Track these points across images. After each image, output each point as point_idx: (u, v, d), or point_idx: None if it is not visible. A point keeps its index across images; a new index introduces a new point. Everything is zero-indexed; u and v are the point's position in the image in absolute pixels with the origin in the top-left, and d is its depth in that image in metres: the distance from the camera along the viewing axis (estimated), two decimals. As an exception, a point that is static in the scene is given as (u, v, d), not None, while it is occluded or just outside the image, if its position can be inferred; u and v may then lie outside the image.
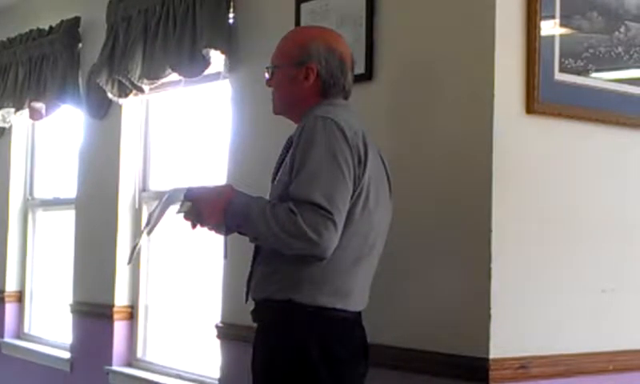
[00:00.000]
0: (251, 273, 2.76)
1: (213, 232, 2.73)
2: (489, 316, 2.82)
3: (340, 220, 2.49)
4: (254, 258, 2.76)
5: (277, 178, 2.70)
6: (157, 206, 2.74)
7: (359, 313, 2.69)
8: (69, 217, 5.43)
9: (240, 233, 2.69)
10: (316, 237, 2.45)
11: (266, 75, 2.83)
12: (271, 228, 2.49)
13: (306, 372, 2.56)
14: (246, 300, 2.79)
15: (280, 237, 2.49)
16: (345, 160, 2.53)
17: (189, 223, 2.69)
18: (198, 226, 2.69)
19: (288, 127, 2.81)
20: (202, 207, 2.64)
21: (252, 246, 2.76)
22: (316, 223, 2.45)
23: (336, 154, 2.53)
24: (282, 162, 2.70)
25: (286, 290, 2.59)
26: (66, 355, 5.34)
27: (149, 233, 2.77)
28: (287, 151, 2.70)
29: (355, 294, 2.64)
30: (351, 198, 2.55)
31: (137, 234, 4.85)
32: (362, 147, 2.59)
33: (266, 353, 2.65)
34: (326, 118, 2.57)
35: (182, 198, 2.67)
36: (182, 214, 2.68)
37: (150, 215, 2.75)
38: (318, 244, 2.46)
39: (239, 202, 2.60)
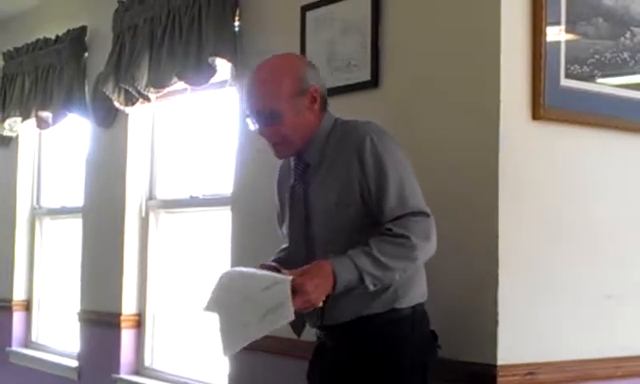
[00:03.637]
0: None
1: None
2: (496, 322, 2.82)
3: (429, 211, 2.57)
4: None
5: (332, 202, 2.60)
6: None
7: None
8: (76, 225, 5.44)
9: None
10: (429, 244, 2.54)
11: (252, 127, 2.69)
12: (392, 269, 2.49)
13: (414, 369, 2.62)
14: (300, 334, 2.72)
15: (404, 269, 2.53)
16: (407, 161, 2.62)
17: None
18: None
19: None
20: (310, 292, 2.42)
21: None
22: (425, 232, 2.52)
23: (402, 160, 2.61)
24: (319, 185, 2.64)
25: (389, 301, 2.60)
26: (74, 364, 5.35)
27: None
28: (302, 173, 2.68)
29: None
30: None
31: (144, 242, 4.87)
32: None
33: (375, 368, 2.60)
34: (375, 133, 2.59)
35: (289, 309, 2.38)
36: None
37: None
38: (433, 247, 2.56)
39: (343, 271, 2.45)
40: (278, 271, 2.54)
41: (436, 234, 2.55)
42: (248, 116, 2.69)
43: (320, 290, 2.43)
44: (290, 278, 2.41)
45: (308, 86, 2.65)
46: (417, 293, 2.65)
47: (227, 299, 2.49)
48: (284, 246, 2.85)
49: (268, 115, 2.63)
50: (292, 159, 2.74)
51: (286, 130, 2.63)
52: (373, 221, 2.57)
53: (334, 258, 2.47)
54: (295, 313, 2.40)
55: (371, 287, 2.49)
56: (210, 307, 2.54)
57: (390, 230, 2.50)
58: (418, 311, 2.66)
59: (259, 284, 2.43)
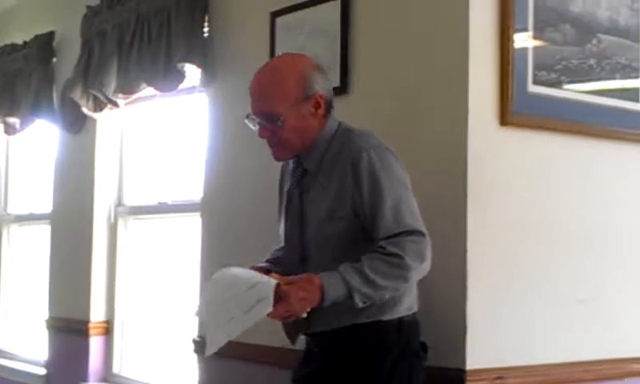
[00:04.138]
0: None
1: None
2: (465, 327, 2.83)
3: (426, 231, 2.52)
4: None
5: (324, 212, 2.58)
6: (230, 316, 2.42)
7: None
8: (44, 232, 5.39)
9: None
10: (425, 263, 2.49)
11: (253, 127, 2.64)
12: (383, 288, 2.45)
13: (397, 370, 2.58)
14: (294, 341, 2.69)
15: (396, 288, 2.49)
16: (406, 177, 2.57)
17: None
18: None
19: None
20: (293, 303, 2.42)
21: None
22: (420, 252, 2.47)
23: (400, 177, 2.55)
24: (314, 193, 2.62)
25: (375, 313, 2.55)
26: (42, 371, 5.30)
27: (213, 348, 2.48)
28: (300, 178, 2.65)
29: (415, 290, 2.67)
30: None
31: (112, 249, 4.84)
32: None
33: (361, 376, 2.58)
34: (373, 148, 2.55)
35: (270, 301, 2.38)
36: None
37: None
38: (427, 268, 2.51)
39: (332, 286, 2.43)
40: (269, 273, 2.54)
41: (430, 253, 2.50)
42: (248, 116, 2.64)
43: (304, 304, 2.42)
44: (275, 282, 2.39)
45: (313, 91, 2.59)
46: (404, 306, 2.60)
47: (214, 307, 2.49)
48: (281, 245, 2.80)
49: (268, 118, 2.58)
50: (292, 161, 2.71)
51: (286, 134, 2.59)
52: (365, 236, 2.52)
53: (324, 274, 2.43)
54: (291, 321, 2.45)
55: (360, 304, 2.45)
56: (199, 314, 2.56)
57: (384, 248, 2.45)
58: (406, 322, 2.60)
59: (244, 285, 2.43)
